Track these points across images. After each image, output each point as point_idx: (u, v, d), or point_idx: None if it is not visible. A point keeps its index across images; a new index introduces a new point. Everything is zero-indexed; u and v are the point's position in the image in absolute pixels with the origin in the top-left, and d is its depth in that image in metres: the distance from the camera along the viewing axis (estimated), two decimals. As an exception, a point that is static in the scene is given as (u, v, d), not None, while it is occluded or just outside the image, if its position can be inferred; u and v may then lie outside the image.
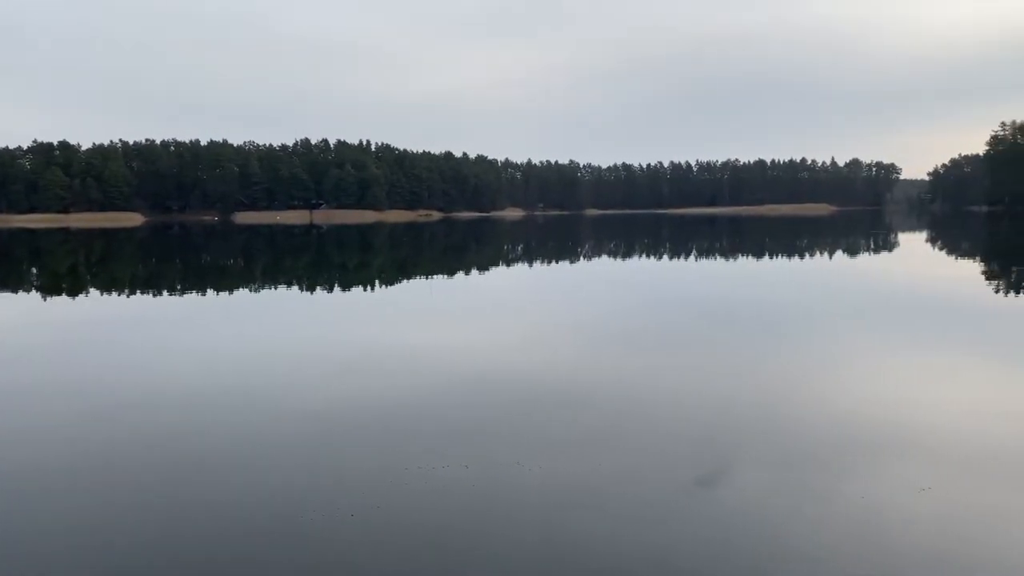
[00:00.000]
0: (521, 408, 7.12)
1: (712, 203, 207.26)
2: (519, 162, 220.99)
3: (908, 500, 4.75)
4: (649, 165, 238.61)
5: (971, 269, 24.04)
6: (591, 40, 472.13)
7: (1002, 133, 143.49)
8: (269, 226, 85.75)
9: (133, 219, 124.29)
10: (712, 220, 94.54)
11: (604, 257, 30.84)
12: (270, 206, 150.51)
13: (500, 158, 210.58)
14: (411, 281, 21.50)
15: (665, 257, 30.67)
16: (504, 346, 10.47)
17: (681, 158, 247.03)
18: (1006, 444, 5.83)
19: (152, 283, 21.67)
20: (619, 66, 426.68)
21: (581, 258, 30.47)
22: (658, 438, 6.13)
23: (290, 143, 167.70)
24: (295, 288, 19.36)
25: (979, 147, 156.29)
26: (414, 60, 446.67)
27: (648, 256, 31.45)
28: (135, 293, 18.88)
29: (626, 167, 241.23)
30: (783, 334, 11.32)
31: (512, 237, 55.35)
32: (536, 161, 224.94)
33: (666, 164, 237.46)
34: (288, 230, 71.75)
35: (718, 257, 29.95)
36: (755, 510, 4.68)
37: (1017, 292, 16.84)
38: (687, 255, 31.36)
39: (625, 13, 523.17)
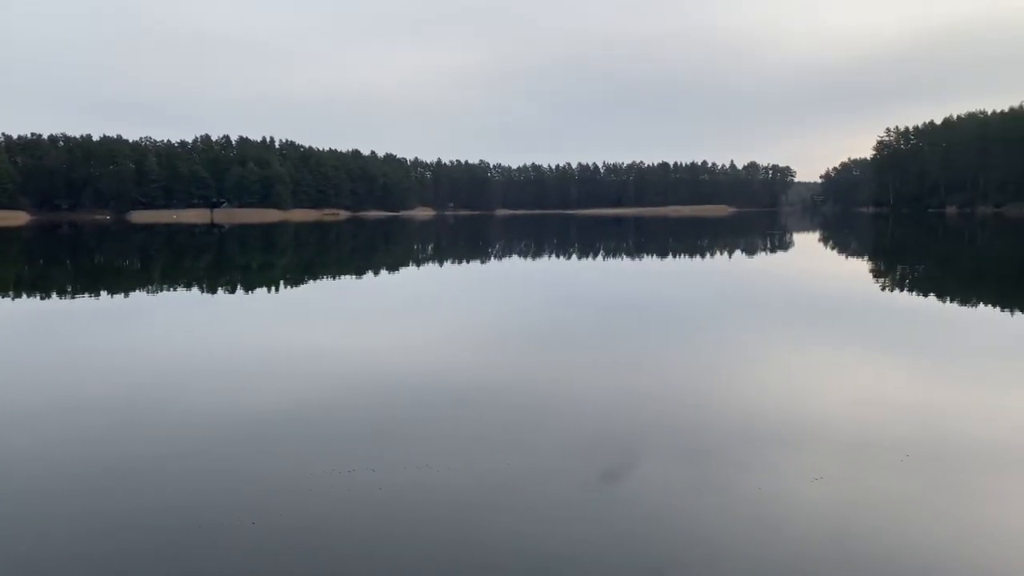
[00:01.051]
0: (428, 409, 7.06)
1: (618, 204, 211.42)
2: (429, 161, 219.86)
3: (802, 489, 4.94)
4: (558, 166, 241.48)
5: (860, 267, 25.40)
6: (502, 40, 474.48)
7: (887, 138, 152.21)
8: (167, 225, 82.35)
9: (17, 218, 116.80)
10: (618, 220, 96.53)
11: (515, 257, 31.02)
12: (168, 205, 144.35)
13: (409, 157, 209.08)
14: (317, 282, 21.05)
15: (574, 256, 31.09)
16: (410, 347, 10.36)
17: (589, 160, 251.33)
18: (891, 432, 6.16)
19: (39, 286, 20.43)
20: (530, 68, 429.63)
21: (492, 258, 30.56)
22: (564, 435, 6.18)
23: (190, 140, 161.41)
24: (195, 290, 18.63)
25: (867, 151, 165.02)
26: (322, 57, 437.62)
27: (557, 256, 31.82)
28: (20, 296, 17.75)
29: (536, 168, 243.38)
30: (684, 331, 11.65)
31: (422, 237, 55.00)
32: (446, 161, 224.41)
33: (575, 165, 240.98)
34: (188, 229, 69.09)
35: (624, 256, 30.61)
36: (658, 503, 4.78)
37: (902, 289, 17.86)
38: (595, 254, 31.90)
39: (536, 14, 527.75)
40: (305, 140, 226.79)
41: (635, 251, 34.68)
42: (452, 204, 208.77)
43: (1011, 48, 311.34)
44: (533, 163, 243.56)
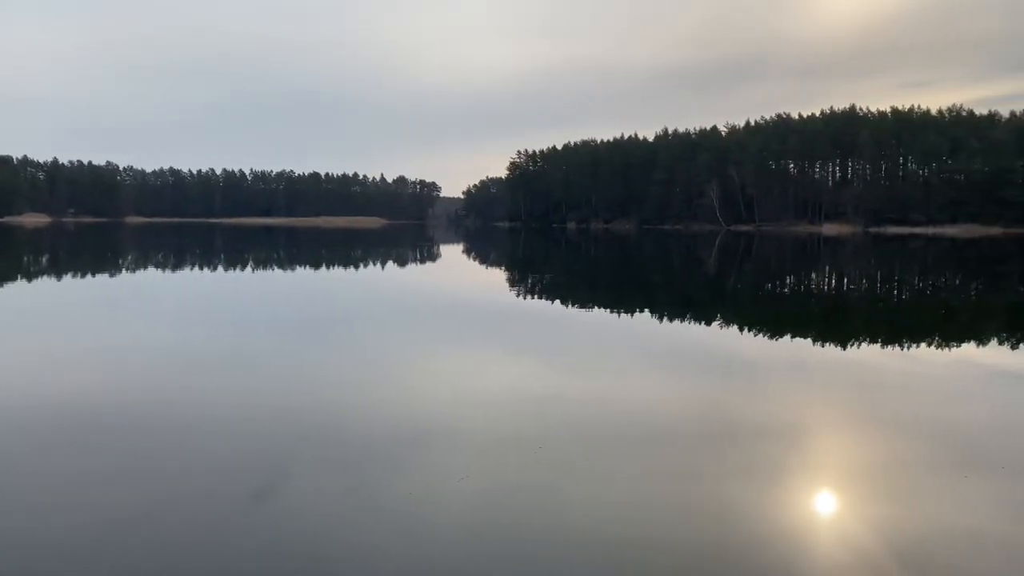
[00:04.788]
0: (52, 441, 6.13)
1: (268, 213, 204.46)
2: (42, 161, 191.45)
3: (449, 489, 5.20)
4: (200, 171, 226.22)
5: (499, 276, 27.66)
6: (135, 36, 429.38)
7: (519, 160, 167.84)
8: None
9: None
10: (268, 230, 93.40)
11: (150, 269, 28.29)
12: None
13: (16, 155, 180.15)
14: None
15: (220, 268, 29.31)
16: (24, 373, 8.92)
17: (235, 166, 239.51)
18: (526, 426, 6.78)
19: None
20: (171, 66, 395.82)
21: (123, 270, 27.51)
22: (207, 457, 5.80)
23: None
24: None
25: (502, 171, 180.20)
26: None
27: (200, 268, 29.72)
28: None
29: (175, 172, 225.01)
30: (332, 339, 11.63)
31: (34, 247, 47.63)
32: (65, 161, 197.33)
33: (219, 171, 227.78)
34: None
35: (275, 267, 29.66)
36: (311, 514, 4.71)
37: (535, 296, 19.79)
38: (243, 266, 30.42)
39: (175, 12, 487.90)
40: None
41: (287, 262, 33.80)
42: (73, 210, 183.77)
43: (610, 86, 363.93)
44: (172, 167, 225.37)
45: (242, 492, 5.08)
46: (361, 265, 32.02)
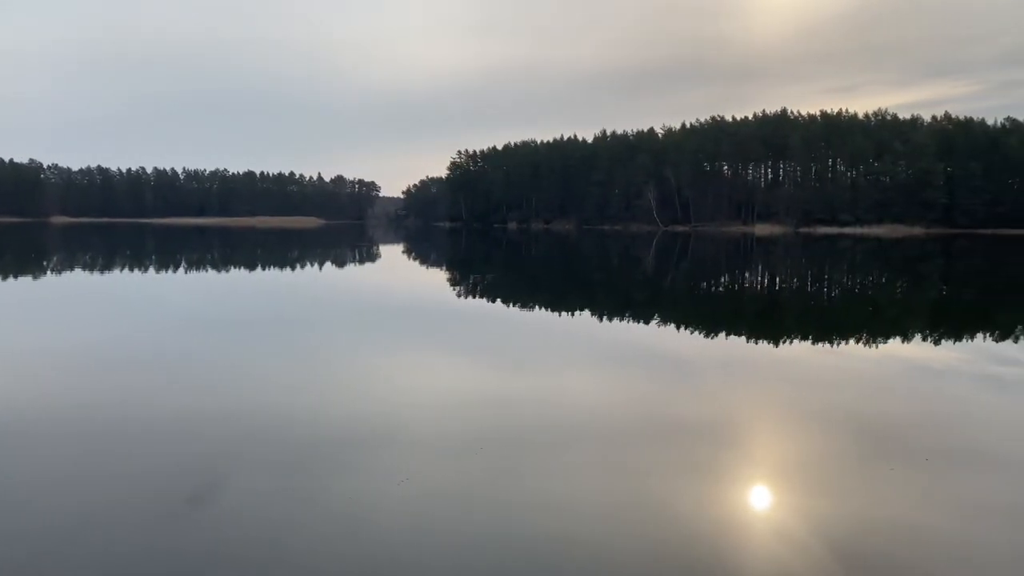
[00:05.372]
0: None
1: (201, 213, 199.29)
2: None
3: (389, 492, 5.15)
4: (131, 170, 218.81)
5: (440, 276, 27.56)
6: (57, 31, 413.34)
7: (459, 160, 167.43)
8: None
9: None
10: (202, 231, 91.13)
11: (78, 270, 27.28)
12: None
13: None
14: None
15: (151, 269, 28.44)
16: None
17: (167, 164, 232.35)
18: (467, 428, 6.77)
19: None
20: (95, 62, 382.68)
21: (49, 271, 26.46)
22: (140, 462, 5.62)
23: None
24: None
25: (443, 171, 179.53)
26: None
27: (131, 269, 28.79)
28: None
29: (103, 171, 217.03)
30: (268, 341, 11.42)
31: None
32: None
33: (150, 170, 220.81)
34: None
35: (209, 269, 28.94)
36: (248, 519, 4.62)
37: (477, 296, 19.78)
38: (175, 267, 29.58)
39: (102, 6, 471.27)
40: None
41: (223, 263, 33.02)
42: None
43: (549, 87, 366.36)
44: (99, 165, 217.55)
45: (179, 497, 4.94)
46: (299, 266, 31.50)
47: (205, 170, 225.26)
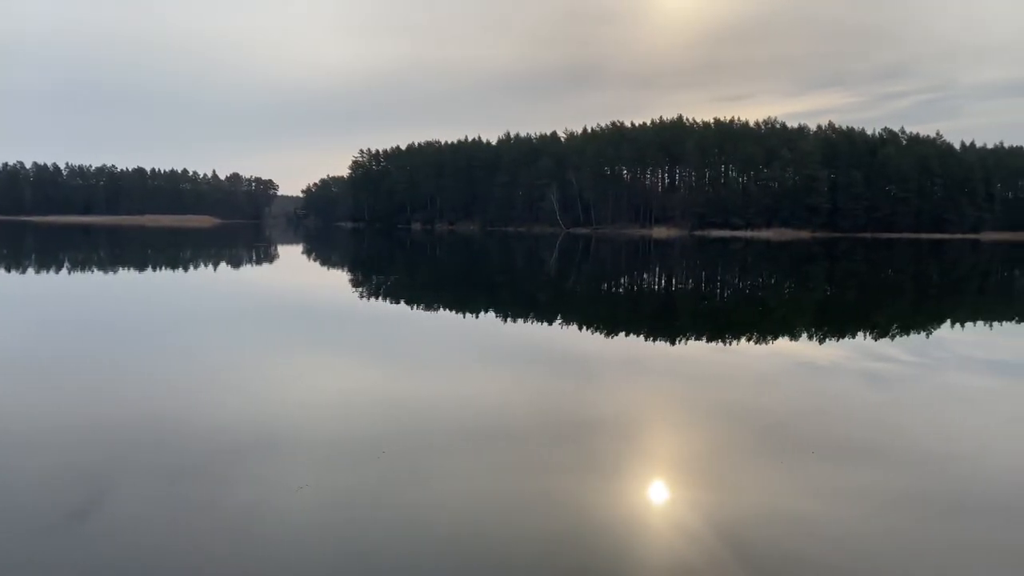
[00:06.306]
0: None
1: (87, 212, 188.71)
2: None
3: (287, 500, 5.01)
4: (6, 165, 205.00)
5: (341, 278, 27.06)
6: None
7: (361, 159, 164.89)
8: None
9: None
10: (86, 230, 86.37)
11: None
12: None
13: None
14: None
15: (31, 271, 26.72)
16: None
17: (48, 159, 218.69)
18: (364, 431, 6.66)
19: None
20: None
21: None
22: (18, 473, 5.28)
23: None
24: None
25: (344, 170, 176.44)
26: None
27: (9, 269, 26.98)
28: None
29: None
30: (158, 345, 10.93)
31: None
32: None
33: (28, 165, 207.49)
34: None
35: (95, 270, 27.42)
36: (137, 532, 4.40)
37: (378, 298, 19.52)
38: (58, 267, 27.90)
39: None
40: None
41: (110, 263, 31.36)
42: None
43: (454, 88, 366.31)
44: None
45: (60, 510, 4.66)
46: (192, 267, 30.28)
47: (91, 166, 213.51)
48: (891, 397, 8.67)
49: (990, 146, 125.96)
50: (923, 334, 14.03)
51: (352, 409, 7.43)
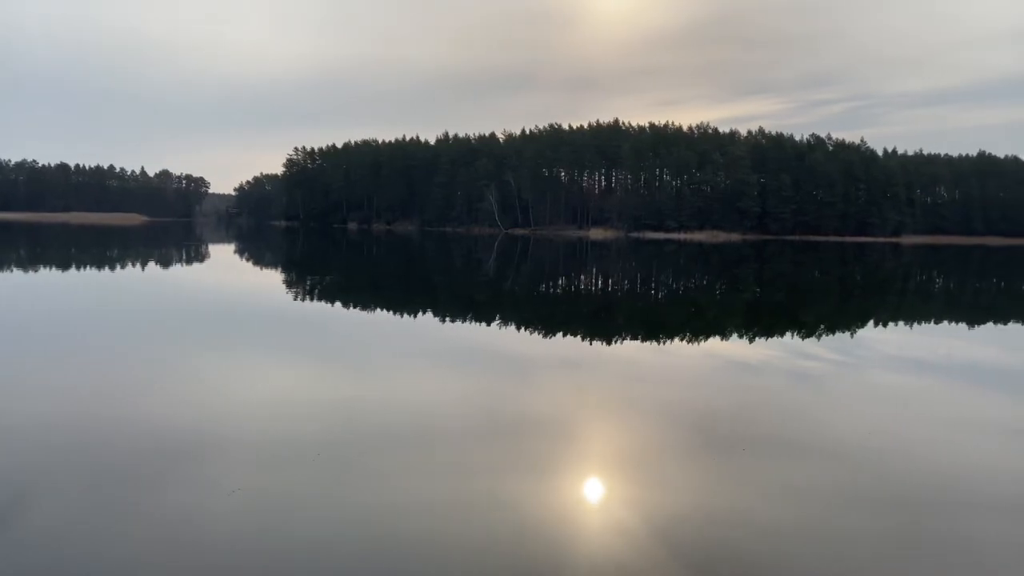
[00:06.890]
0: None
1: (5, 208, 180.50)
2: None
3: (222, 503, 4.92)
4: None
5: (274, 278, 26.55)
6: None
7: (295, 157, 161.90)
8: None
9: None
10: (5, 227, 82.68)
11: None
12: None
13: None
14: None
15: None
16: None
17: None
18: (302, 432, 6.58)
19: None
20: None
21: None
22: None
23: None
24: None
25: (278, 168, 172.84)
26: None
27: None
28: None
29: None
30: (86, 346, 10.57)
31: None
32: None
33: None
34: None
35: (15, 269, 26.28)
36: (62, 538, 4.27)
37: (313, 298, 19.22)
38: (-29, 267, 26.66)
39: None
40: None
41: (28, 263, 30.09)
42: None
43: (391, 87, 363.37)
44: None
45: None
46: (118, 266, 29.29)
47: (10, 160, 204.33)
48: (818, 394, 8.98)
49: (911, 153, 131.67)
50: (847, 333, 14.56)
51: (287, 411, 7.32)
